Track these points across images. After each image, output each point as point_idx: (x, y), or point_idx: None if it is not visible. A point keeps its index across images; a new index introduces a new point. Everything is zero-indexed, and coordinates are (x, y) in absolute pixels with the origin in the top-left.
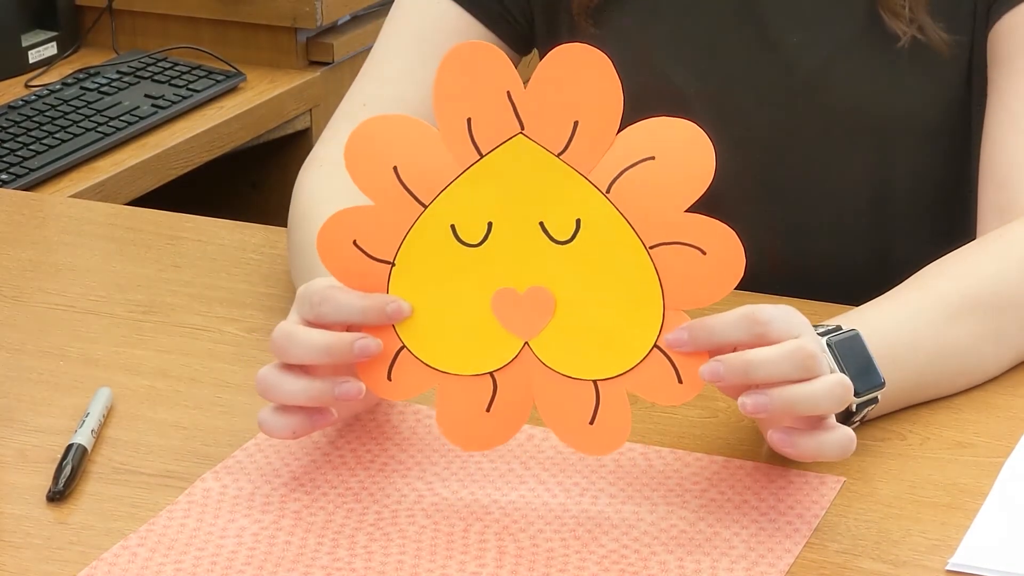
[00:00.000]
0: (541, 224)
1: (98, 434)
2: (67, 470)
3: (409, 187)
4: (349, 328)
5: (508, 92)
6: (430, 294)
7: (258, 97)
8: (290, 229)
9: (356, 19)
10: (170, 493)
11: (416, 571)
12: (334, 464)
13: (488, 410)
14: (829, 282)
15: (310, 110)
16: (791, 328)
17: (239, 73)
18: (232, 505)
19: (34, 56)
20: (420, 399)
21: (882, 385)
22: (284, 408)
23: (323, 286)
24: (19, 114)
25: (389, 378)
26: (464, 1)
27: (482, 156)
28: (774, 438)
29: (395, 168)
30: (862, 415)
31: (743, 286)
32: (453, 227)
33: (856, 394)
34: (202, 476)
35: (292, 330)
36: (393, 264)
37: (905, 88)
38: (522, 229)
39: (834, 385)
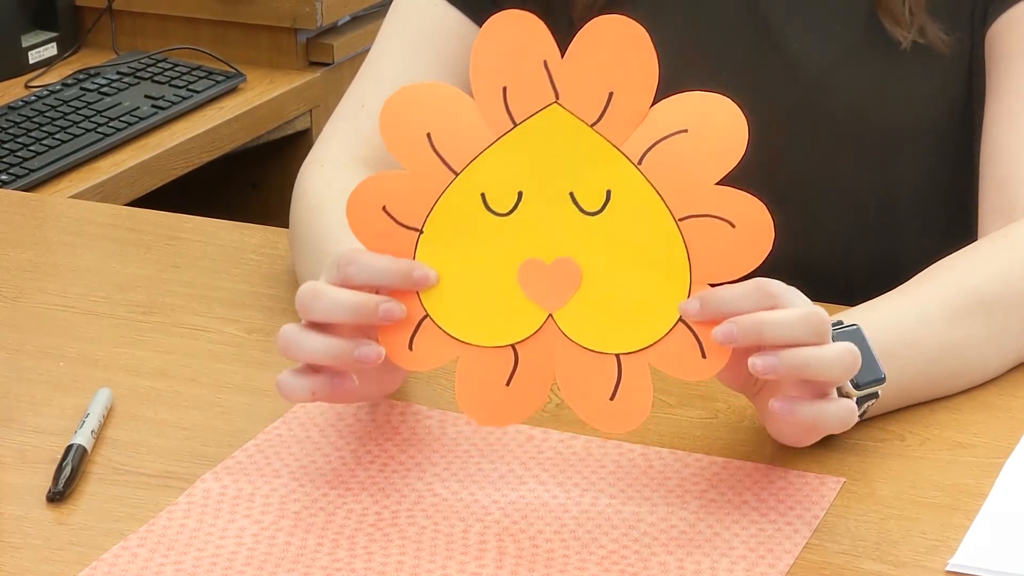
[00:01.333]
0: (571, 195)
1: (98, 434)
2: (67, 471)
3: (442, 154)
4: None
5: (545, 61)
6: (457, 263)
7: (258, 98)
8: (293, 229)
9: (356, 20)
10: (170, 494)
11: (416, 572)
12: (334, 465)
13: (508, 384)
14: (835, 284)
15: (310, 111)
16: (797, 299)
17: (239, 74)
18: (232, 506)
19: (34, 57)
20: (421, 399)
21: (883, 380)
22: (304, 370)
23: (351, 249)
24: (19, 115)
25: (410, 347)
26: (460, 3)
27: (516, 125)
28: (775, 406)
29: (428, 135)
30: (863, 410)
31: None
32: (483, 195)
33: (856, 387)
34: (202, 477)
35: (319, 287)
36: (421, 231)
37: (908, 92)
38: (552, 199)
39: (844, 351)
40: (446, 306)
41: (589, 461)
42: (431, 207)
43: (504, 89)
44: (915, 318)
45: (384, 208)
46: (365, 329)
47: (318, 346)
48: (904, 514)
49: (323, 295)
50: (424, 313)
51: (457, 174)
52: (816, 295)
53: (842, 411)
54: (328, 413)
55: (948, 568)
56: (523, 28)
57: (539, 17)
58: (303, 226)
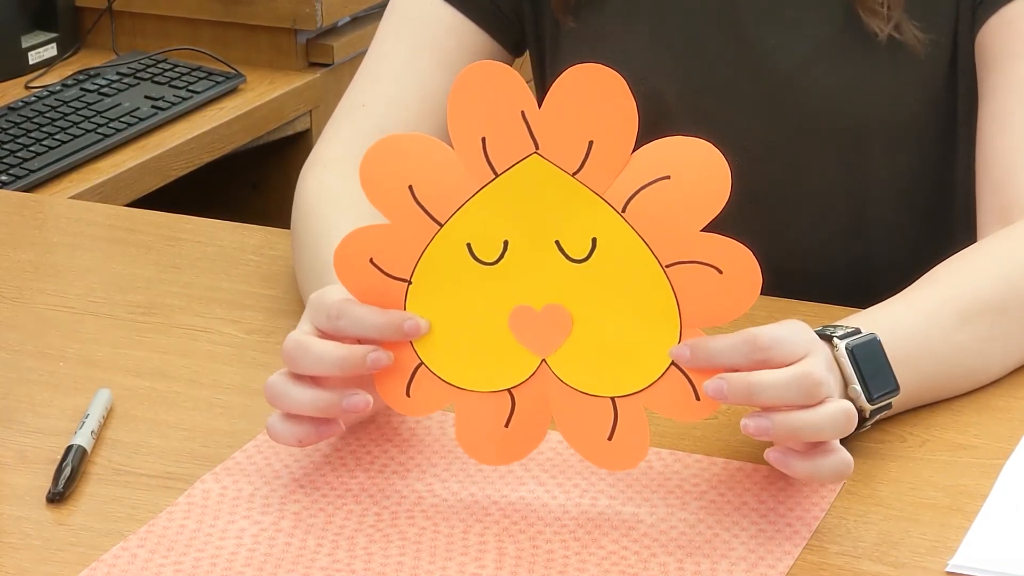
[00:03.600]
0: (557, 243)
1: (98, 435)
2: (67, 471)
3: (425, 206)
4: (361, 341)
5: (523, 112)
6: (447, 311)
7: (258, 98)
8: (295, 229)
9: (356, 20)
10: (170, 494)
11: (416, 572)
12: (334, 465)
13: (507, 426)
14: (811, 282)
15: (310, 111)
16: (795, 350)
17: (239, 74)
18: (232, 506)
19: (34, 57)
20: None
21: (897, 391)
22: (292, 416)
23: (339, 299)
24: (19, 115)
25: (408, 394)
26: (457, 2)
27: (497, 175)
28: (771, 457)
29: (410, 187)
30: (874, 420)
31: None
32: (469, 245)
33: (870, 400)
34: (202, 477)
35: (305, 341)
36: (410, 282)
37: (881, 89)
38: (538, 247)
39: (837, 412)
40: (440, 353)
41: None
42: (418, 258)
43: (483, 140)
44: (925, 322)
45: (372, 260)
46: (360, 377)
47: (305, 399)
48: (904, 515)
49: (309, 350)
50: (419, 361)
51: (441, 225)
52: (792, 293)
53: (838, 465)
54: None
55: (948, 569)
56: (498, 78)
57: (532, 10)
58: (303, 227)
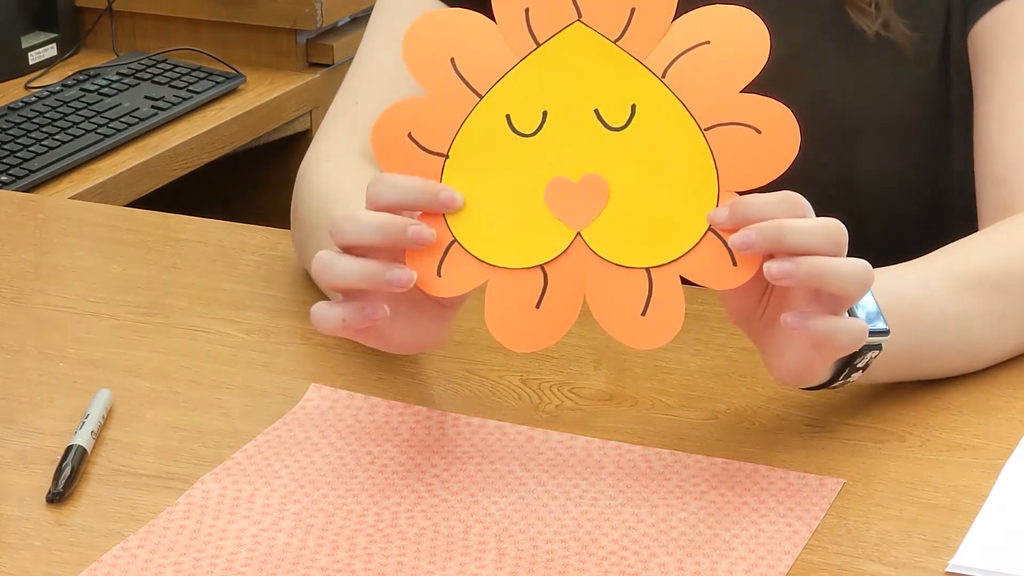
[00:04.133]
0: (596, 111)
1: (98, 435)
2: (67, 471)
3: (466, 78)
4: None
5: None
6: (483, 186)
7: (258, 99)
8: (301, 223)
9: (356, 21)
10: (170, 495)
11: (416, 573)
12: (334, 466)
13: (538, 306)
14: None
15: (310, 112)
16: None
17: (239, 75)
18: (232, 507)
19: (34, 57)
20: (421, 400)
21: (886, 332)
22: (337, 302)
23: (380, 173)
24: (19, 115)
25: (439, 273)
26: None
27: (539, 45)
28: (788, 319)
29: (452, 59)
30: (865, 361)
31: None
32: (508, 117)
33: None
34: (202, 478)
35: (352, 211)
36: (447, 156)
37: (870, 85)
38: (577, 117)
39: (861, 266)
40: (474, 230)
41: (589, 462)
42: (456, 131)
43: (527, 10)
44: (918, 287)
45: (409, 134)
46: (398, 259)
47: (350, 268)
48: (904, 515)
49: (354, 218)
50: (452, 238)
51: (482, 97)
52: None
53: (854, 328)
54: (328, 414)
55: (948, 569)
56: None
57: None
58: (314, 214)
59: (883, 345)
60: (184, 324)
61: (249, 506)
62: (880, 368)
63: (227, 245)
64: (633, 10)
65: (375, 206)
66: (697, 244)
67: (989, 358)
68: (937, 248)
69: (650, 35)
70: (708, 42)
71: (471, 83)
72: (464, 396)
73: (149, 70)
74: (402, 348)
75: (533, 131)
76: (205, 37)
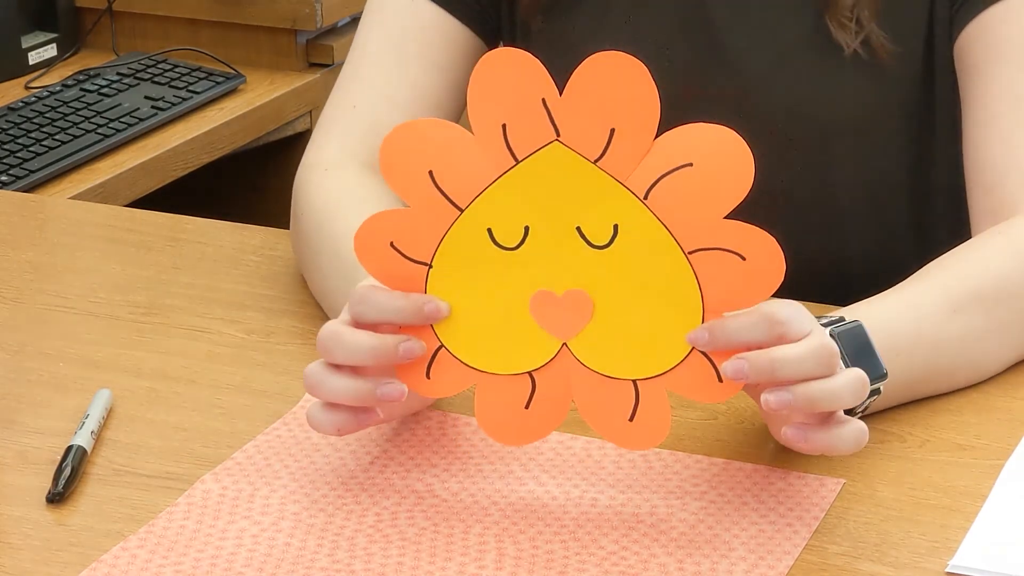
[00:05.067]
0: (578, 229)
1: (98, 436)
2: (67, 472)
3: (445, 191)
4: (382, 329)
5: (543, 99)
6: (468, 295)
7: (258, 99)
8: (302, 236)
9: (356, 21)
10: (170, 495)
11: (416, 573)
12: (333, 466)
13: (527, 407)
14: (786, 283)
15: (310, 112)
16: (805, 325)
17: (239, 75)
18: (232, 507)
19: (34, 58)
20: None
21: (884, 376)
22: (331, 405)
23: (361, 285)
24: (19, 116)
25: (428, 376)
26: None
27: (518, 162)
28: (788, 434)
29: (431, 172)
30: (864, 406)
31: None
32: (490, 230)
33: None
34: (202, 478)
35: (339, 330)
36: (430, 266)
37: (850, 94)
38: (559, 233)
39: (853, 380)
40: (461, 336)
41: (589, 462)
42: (438, 243)
43: (504, 126)
44: (914, 313)
45: (392, 244)
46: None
47: (340, 388)
48: (904, 515)
49: (342, 340)
50: (439, 343)
51: (462, 210)
52: None
53: (855, 433)
54: None
55: (948, 570)
56: (519, 65)
57: (508, 5)
58: (316, 233)
59: (882, 388)
60: (184, 324)
61: (249, 506)
62: (885, 399)
63: (227, 245)
64: (613, 131)
65: (360, 326)
66: (683, 361)
67: (992, 370)
68: (920, 255)
69: (631, 155)
70: (691, 164)
71: (451, 196)
72: (464, 396)
73: (149, 70)
74: (392, 419)
75: (515, 245)
76: (205, 37)
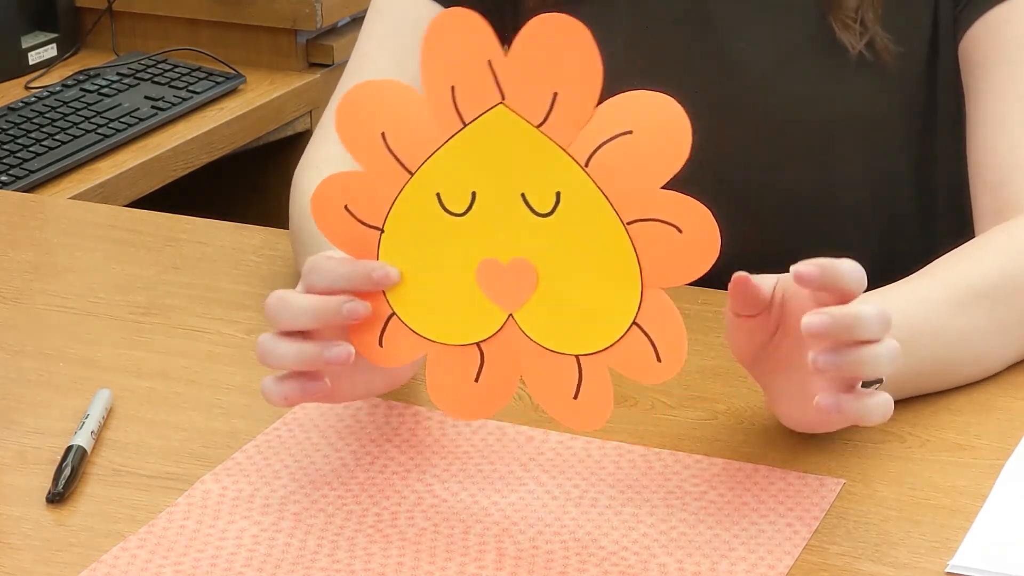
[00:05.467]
0: (523, 195)
1: (98, 436)
2: (67, 472)
3: (396, 153)
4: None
5: (489, 61)
6: (418, 262)
7: (258, 99)
8: (297, 234)
9: (356, 21)
10: (170, 495)
11: (416, 573)
12: (334, 466)
13: (477, 380)
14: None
15: (310, 112)
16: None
17: (239, 75)
18: (232, 507)
19: (34, 58)
20: (421, 400)
21: None
22: (283, 376)
23: (317, 255)
24: (19, 116)
25: (380, 344)
26: None
27: (465, 125)
28: (823, 402)
29: (383, 134)
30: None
31: (700, 282)
32: (439, 195)
33: None
34: (202, 478)
35: (284, 295)
36: (382, 230)
37: (853, 95)
38: (505, 200)
39: (893, 349)
40: (411, 304)
41: (589, 462)
42: (390, 207)
43: (452, 88)
44: (919, 306)
45: (346, 207)
46: (340, 332)
47: (288, 352)
48: (904, 516)
49: (287, 303)
50: (391, 311)
51: (412, 174)
52: None
53: (883, 404)
54: (328, 415)
55: (948, 570)
56: (467, 26)
57: (512, 6)
58: (308, 231)
59: (885, 378)
60: (184, 324)
61: (249, 506)
62: (887, 390)
63: (227, 245)
64: (556, 95)
65: (312, 292)
66: (622, 337)
67: (994, 367)
68: (923, 254)
69: (573, 121)
70: (631, 132)
71: (402, 159)
72: None
73: (149, 70)
74: (354, 399)
75: (463, 211)
76: (205, 37)
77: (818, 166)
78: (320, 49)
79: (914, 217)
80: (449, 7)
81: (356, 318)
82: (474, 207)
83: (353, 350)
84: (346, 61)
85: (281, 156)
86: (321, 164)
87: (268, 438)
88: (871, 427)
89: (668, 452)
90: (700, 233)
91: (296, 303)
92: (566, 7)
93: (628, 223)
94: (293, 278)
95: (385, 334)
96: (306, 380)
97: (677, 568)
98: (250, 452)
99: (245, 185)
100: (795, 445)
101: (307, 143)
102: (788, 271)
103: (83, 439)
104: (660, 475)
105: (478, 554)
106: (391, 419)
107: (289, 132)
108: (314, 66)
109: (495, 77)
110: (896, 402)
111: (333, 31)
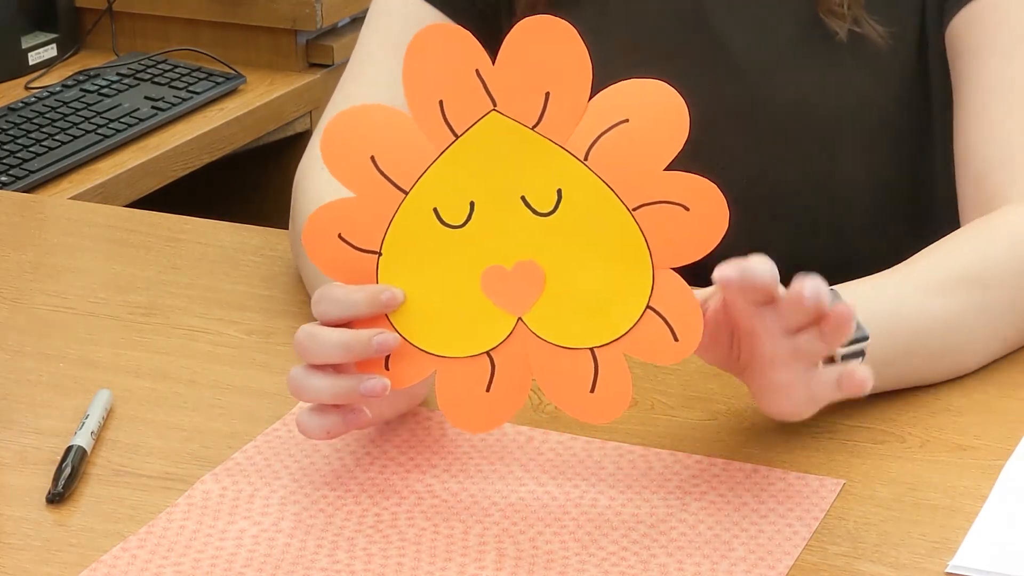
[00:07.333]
0: (523, 198)
1: (98, 436)
2: (66, 472)
3: (388, 175)
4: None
5: (477, 70)
6: (420, 280)
7: (258, 99)
8: (295, 238)
9: (356, 21)
10: (169, 495)
11: (416, 573)
12: (334, 466)
13: (488, 390)
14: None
15: (310, 112)
16: None
17: (239, 75)
18: (231, 507)
19: (34, 58)
20: (423, 401)
21: (866, 337)
22: (319, 408)
23: (323, 286)
24: (19, 116)
25: (386, 367)
26: (438, 2)
27: (457, 137)
28: (784, 379)
29: (372, 157)
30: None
31: (700, 281)
32: (436, 210)
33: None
34: (202, 478)
35: (312, 330)
36: (380, 253)
37: (849, 86)
38: (504, 205)
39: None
40: (416, 323)
41: (589, 462)
42: (386, 229)
43: (440, 102)
44: (896, 289)
45: (340, 235)
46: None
47: (322, 387)
48: (904, 516)
49: (317, 338)
50: (396, 333)
51: (406, 193)
52: None
53: (849, 375)
54: None
55: (948, 570)
56: (451, 40)
57: (507, 6)
58: None
59: (865, 351)
60: (184, 324)
61: (249, 506)
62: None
63: (227, 245)
64: (548, 95)
65: (327, 323)
66: (637, 322)
67: (979, 357)
68: (920, 248)
69: (568, 118)
70: (627, 120)
71: (394, 180)
72: None
73: (149, 70)
74: (381, 422)
75: (462, 222)
76: (205, 37)
77: (819, 161)
78: (320, 49)
79: (914, 210)
80: (444, 10)
81: (387, 350)
82: (473, 217)
83: (388, 383)
84: (346, 61)
85: (281, 156)
86: (324, 165)
87: (268, 438)
88: (871, 427)
89: (668, 452)
90: (708, 208)
91: (327, 338)
92: (559, 11)
93: (633, 208)
94: (293, 278)
95: (391, 358)
96: (347, 412)
97: (677, 568)
98: (250, 452)
99: (245, 185)
100: (795, 446)
101: (307, 143)
102: (785, 267)
103: (83, 439)
104: (660, 475)
105: (478, 554)
106: (391, 419)
107: (289, 132)
108: (314, 66)
109: (484, 85)
110: (895, 402)
111: (333, 31)
